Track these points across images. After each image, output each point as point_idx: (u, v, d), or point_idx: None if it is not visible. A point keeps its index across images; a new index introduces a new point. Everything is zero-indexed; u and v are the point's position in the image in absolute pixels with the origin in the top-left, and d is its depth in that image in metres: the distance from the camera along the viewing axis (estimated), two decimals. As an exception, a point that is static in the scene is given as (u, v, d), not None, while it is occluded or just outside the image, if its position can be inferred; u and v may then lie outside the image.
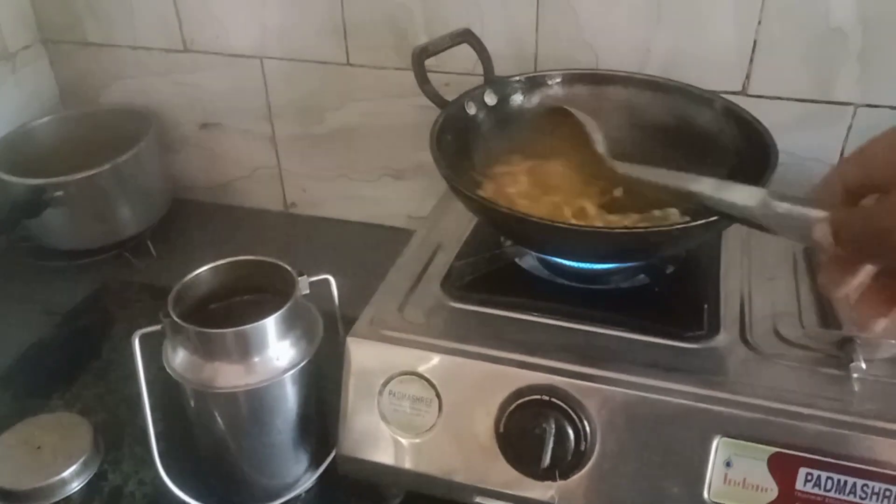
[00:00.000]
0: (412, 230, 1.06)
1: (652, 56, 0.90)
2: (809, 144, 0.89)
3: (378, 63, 1.01)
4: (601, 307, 0.68)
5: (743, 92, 0.89)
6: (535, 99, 0.83)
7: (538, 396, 0.61)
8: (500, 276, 0.72)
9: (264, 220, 1.19)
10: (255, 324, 0.64)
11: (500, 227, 0.70)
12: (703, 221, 0.59)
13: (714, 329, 0.66)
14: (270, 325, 0.65)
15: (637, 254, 0.67)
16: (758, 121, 0.71)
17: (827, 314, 0.67)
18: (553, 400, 0.61)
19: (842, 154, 0.90)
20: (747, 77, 0.88)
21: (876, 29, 0.81)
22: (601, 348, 0.64)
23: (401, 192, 1.11)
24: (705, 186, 0.56)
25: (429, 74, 0.77)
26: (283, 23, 1.02)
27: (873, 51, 0.83)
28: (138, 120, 1.11)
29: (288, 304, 0.66)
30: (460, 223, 0.81)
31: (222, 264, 0.71)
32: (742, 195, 0.52)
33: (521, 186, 0.73)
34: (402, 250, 0.81)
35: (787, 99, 0.88)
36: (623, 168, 0.67)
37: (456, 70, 0.97)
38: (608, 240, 0.61)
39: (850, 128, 0.88)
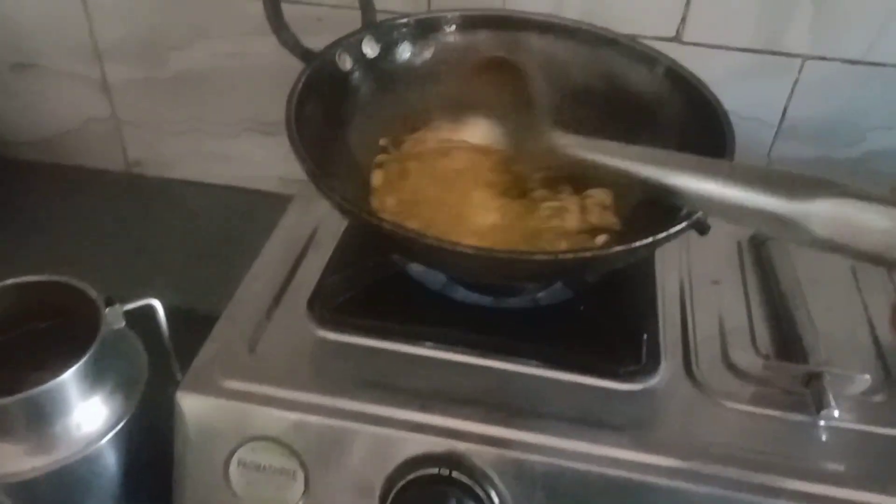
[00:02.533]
0: (286, 195, 0.89)
1: (571, -7, 0.73)
2: (749, 102, 0.76)
3: (232, -9, 0.80)
4: (515, 334, 0.53)
5: (677, 38, 0.73)
6: (429, 50, 0.65)
7: (435, 470, 0.46)
8: (386, 291, 0.56)
9: (102, 183, 0.97)
10: (43, 388, 0.46)
11: (379, 241, 0.53)
12: (626, 247, 0.44)
13: (654, 360, 0.53)
14: (68, 383, 0.47)
15: (546, 278, 0.52)
16: (711, 92, 0.56)
17: (783, 330, 0.55)
18: (454, 475, 0.46)
19: (784, 114, 0.76)
20: (682, 21, 0.73)
21: (836, -33, 0.68)
22: (515, 395, 0.50)
23: (270, 150, 0.92)
24: (708, 186, 0.42)
25: (297, 7, 0.59)
26: (104, -63, 0.79)
27: (833, -9, 0.69)
28: (-77, 59, 0.86)
29: (90, 351, 0.48)
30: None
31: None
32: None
33: (410, 175, 0.56)
34: (266, 240, 0.63)
35: (728, 48, 0.73)
36: (572, 148, 0.50)
37: (330, 2, 0.77)
38: (507, 266, 0.45)
39: (796, 82, 0.75)
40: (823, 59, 0.72)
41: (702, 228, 0.47)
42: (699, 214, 0.46)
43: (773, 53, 0.73)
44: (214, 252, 0.86)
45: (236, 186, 0.95)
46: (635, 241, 0.44)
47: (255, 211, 0.92)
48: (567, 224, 0.55)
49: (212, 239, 0.88)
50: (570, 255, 0.44)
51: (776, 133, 0.78)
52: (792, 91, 0.75)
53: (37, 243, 0.86)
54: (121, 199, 0.95)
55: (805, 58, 0.73)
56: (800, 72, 0.74)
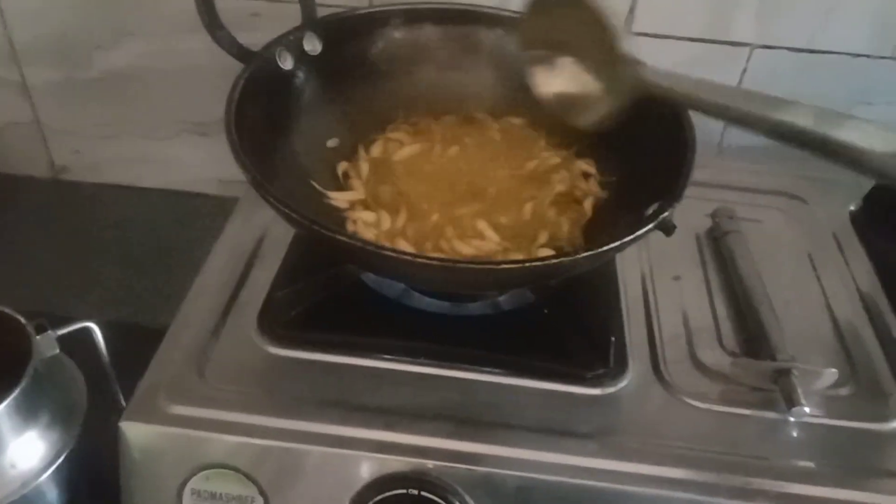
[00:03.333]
0: (227, 197, 0.85)
1: (517, -17, 0.71)
2: None
3: (160, -13, 0.76)
4: (478, 341, 0.51)
5: (626, 28, 0.72)
6: (375, 46, 0.62)
7: (403, 490, 0.44)
8: (340, 301, 0.53)
9: (26, 191, 0.91)
10: (-32, 427, 0.42)
11: (332, 250, 0.50)
12: (592, 252, 0.43)
13: (621, 362, 0.51)
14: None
15: (512, 287, 0.51)
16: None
17: (747, 326, 0.55)
18: (423, 494, 0.44)
19: (733, 102, 0.76)
20: (631, 11, 0.71)
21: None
22: (482, 407, 0.48)
23: (207, 151, 0.87)
24: (801, 118, 0.41)
25: (230, 2, 0.55)
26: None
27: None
28: None
29: (22, 384, 0.44)
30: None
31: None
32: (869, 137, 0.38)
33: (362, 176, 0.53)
34: (207, 256, 0.59)
35: (677, 38, 0.73)
36: (664, 80, 0.47)
37: (267, -5, 0.74)
38: (471, 275, 0.43)
39: (744, 71, 0.74)
40: (770, 47, 0.72)
41: (667, 229, 0.45)
42: (665, 215, 0.45)
43: (722, 43, 0.72)
44: (152, 261, 0.82)
45: (172, 190, 0.91)
46: (602, 245, 0.43)
47: (193, 215, 0.88)
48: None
49: (148, 247, 0.83)
50: (536, 264, 0.42)
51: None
52: (741, 79, 0.75)
53: (-45, 259, 0.80)
54: (48, 207, 0.90)
55: (753, 47, 0.72)
56: (748, 60, 0.73)
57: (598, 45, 0.48)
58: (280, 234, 0.59)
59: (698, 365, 0.52)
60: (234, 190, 0.82)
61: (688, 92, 0.46)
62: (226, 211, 0.66)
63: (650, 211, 0.46)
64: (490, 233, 0.52)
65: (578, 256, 0.42)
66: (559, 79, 0.53)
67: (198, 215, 0.87)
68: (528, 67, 0.54)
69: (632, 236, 0.43)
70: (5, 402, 0.43)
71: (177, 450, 0.46)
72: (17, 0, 0.78)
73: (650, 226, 0.44)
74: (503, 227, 0.53)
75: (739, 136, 0.78)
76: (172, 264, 0.81)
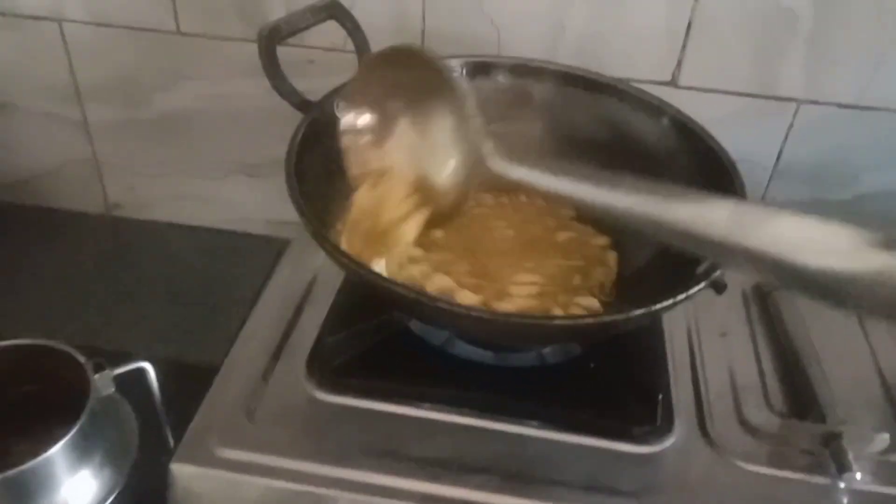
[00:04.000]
0: (275, 237, 0.86)
1: (566, 36, 0.72)
2: (744, 145, 0.73)
3: (218, 33, 0.78)
4: (524, 394, 0.51)
5: (672, 83, 0.73)
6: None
7: (448, 544, 0.44)
8: (389, 349, 0.54)
9: (80, 227, 0.94)
10: (28, 465, 0.43)
11: (384, 298, 0.51)
12: (646, 310, 0.43)
13: (668, 419, 0.51)
14: (55, 458, 0.44)
15: (556, 342, 0.51)
16: (718, 144, 0.55)
17: (795, 385, 0.54)
18: (468, 548, 0.44)
19: (779, 157, 0.76)
20: (678, 66, 0.72)
21: (829, 11, 0.67)
22: (527, 460, 0.48)
23: (257, 193, 0.89)
24: (712, 225, 0.35)
25: (286, 49, 0.57)
26: (88, -25, 0.77)
27: (823, 38, 0.69)
28: None
29: (79, 423, 0.45)
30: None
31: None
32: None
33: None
34: (258, 299, 0.60)
35: (724, 92, 0.73)
36: (519, 172, 0.45)
37: (322, 44, 0.76)
38: (524, 330, 0.44)
39: (790, 127, 0.74)
40: (817, 103, 0.72)
41: (719, 287, 0.45)
42: (717, 274, 0.45)
43: (768, 98, 0.73)
44: (201, 299, 0.83)
45: (222, 229, 0.93)
46: (655, 303, 0.43)
47: (241, 254, 0.89)
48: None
49: (198, 284, 0.85)
50: (589, 321, 0.42)
51: (771, 175, 0.77)
52: (787, 134, 0.75)
53: (13, 290, 0.82)
54: (101, 242, 0.92)
55: (799, 102, 0.72)
56: (794, 115, 0.73)
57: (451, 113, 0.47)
58: (330, 278, 0.60)
59: (745, 425, 0.51)
60: (280, 230, 0.84)
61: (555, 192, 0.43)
62: (272, 250, 0.68)
63: (701, 269, 0.46)
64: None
65: (631, 315, 0.42)
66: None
67: (245, 254, 0.89)
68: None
69: (684, 295, 0.43)
70: (62, 442, 0.45)
71: (224, 492, 0.47)
72: (83, 43, 0.81)
73: (702, 284, 0.44)
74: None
75: (783, 190, 0.78)
76: (219, 302, 0.82)
